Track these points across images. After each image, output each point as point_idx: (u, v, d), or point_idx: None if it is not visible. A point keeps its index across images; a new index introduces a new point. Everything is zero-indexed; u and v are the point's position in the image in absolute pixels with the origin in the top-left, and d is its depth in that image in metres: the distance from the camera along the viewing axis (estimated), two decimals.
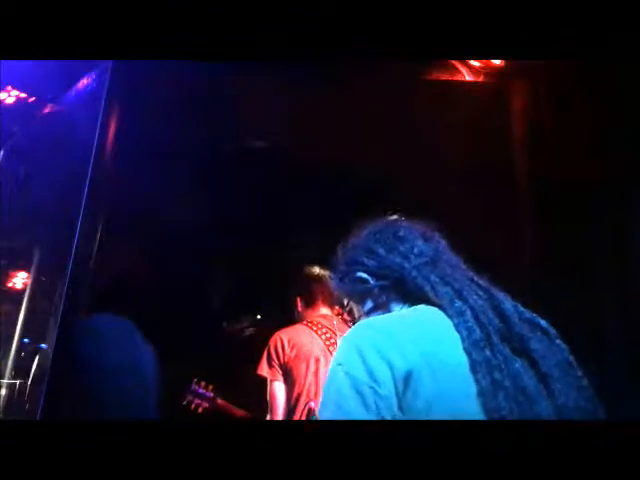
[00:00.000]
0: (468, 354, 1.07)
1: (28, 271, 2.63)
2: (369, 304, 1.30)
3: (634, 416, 1.70)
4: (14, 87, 2.58)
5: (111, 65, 2.49)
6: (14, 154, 2.63)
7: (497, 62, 2.86)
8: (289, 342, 2.64)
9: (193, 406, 2.97)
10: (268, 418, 2.61)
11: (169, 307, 2.98)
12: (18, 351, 2.39)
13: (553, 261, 2.55)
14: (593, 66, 2.29)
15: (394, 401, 1.02)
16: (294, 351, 2.62)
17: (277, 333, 2.71)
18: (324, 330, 2.70)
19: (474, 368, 1.05)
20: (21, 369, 2.36)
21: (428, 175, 2.81)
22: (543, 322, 1.18)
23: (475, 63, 2.88)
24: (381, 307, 1.28)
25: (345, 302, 1.38)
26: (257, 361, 2.70)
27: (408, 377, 1.03)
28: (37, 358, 2.34)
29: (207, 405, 2.97)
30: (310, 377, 2.58)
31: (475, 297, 1.16)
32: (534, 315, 1.19)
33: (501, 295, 1.20)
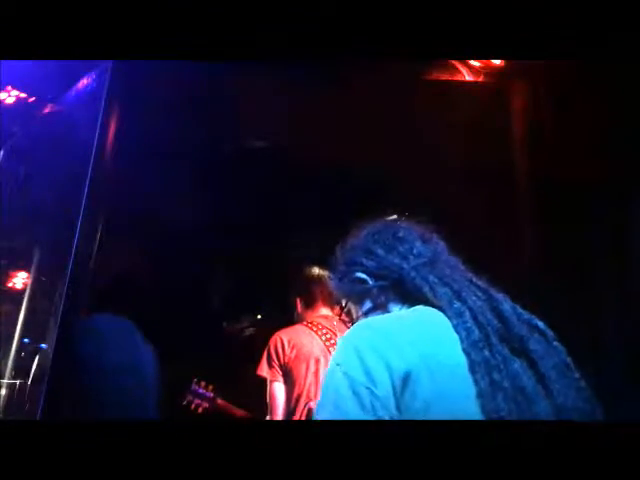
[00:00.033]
0: (467, 354, 1.07)
1: (28, 271, 2.63)
2: (368, 304, 1.31)
3: (632, 417, 1.70)
4: (14, 87, 2.58)
5: (111, 65, 2.49)
6: (14, 154, 2.63)
7: (497, 62, 2.86)
8: (289, 342, 2.64)
9: (193, 406, 2.97)
10: (268, 419, 2.61)
11: (169, 307, 2.98)
12: (18, 351, 2.39)
13: (553, 261, 2.55)
14: (593, 66, 2.29)
15: (392, 402, 1.02)
16: (294, 351, 2.62)
17: (277, 333, 2.71)
18: (324, 331, 2.70)
19: (473, 369, 1.05)
20: (21, 369, 2.36)
21: (428, 175, 2.81)
22: (541, 323, 1.18)
23: (475, 63, 2.88)
24: (380, 308, 1.28)
25: (343, 302, 1.38)
26: (257, 361, 2.69)
27: (406, 378, 1.03)
28: (37, 358, 2.34)
29: (207, 405, 2.97)
30: (310, 378, 2.58)
31: (474, 298, 1.16)
32: (532, 316, 1.19)
33: (500, 296, 1.20)
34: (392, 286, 1.26)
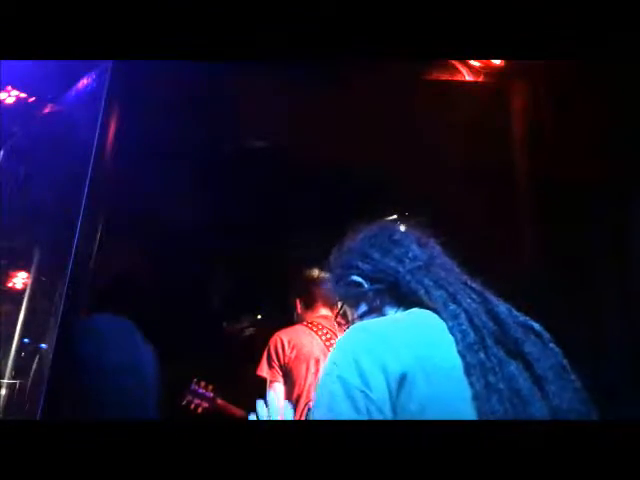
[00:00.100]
0: (462, 357, 1.07)
1: (28, 271, 2.63)
2: (363, 307, 1.31)
3: (631, 417, 1.70)
4: (14, 87, 2.58)
5: (111, 65, 2.49)
6: (14, 154, 2.63)
7: (497, 62, 2.86)
8: (289, 343, 2.64)
9: (193, 406, 2.96)
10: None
11: (169, 307, 2.98)
12: (18, 351, 2.38)
13: (553, 261, 2.55)
14: (593, 66, 2.29)
15: (387, 405, 1.02)
16: (294, 352, 2.62)
17: (277, 334, 2.71)
18: (324, 331, 2.70)
19: (468, 371, 1.05)
20: (21, 369, 2.36)
21: (428, 175, 2.81)
22: (536, 325, 1.18)
23: (475, 63, 2.88)
24: (375, 311, 1.28)
25: (339, 305, 1.38)
26: (257, 361, 2.70)
27: (402, 380, 1.03)
28: (37, 358, 2.34)
29: (207, 405, 2.97)
30: (310, 378, 2.58)
31: (469, 300, 1.16)
32: (527, 318, 1.19)
33: (495, 298, 1.20)
34: (388, 289, 1.26)
